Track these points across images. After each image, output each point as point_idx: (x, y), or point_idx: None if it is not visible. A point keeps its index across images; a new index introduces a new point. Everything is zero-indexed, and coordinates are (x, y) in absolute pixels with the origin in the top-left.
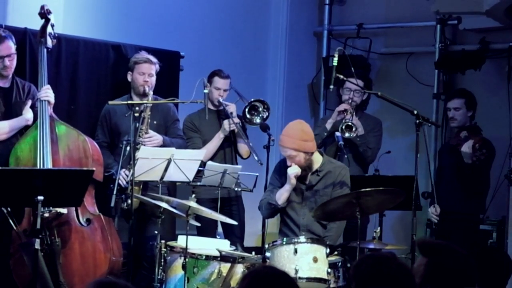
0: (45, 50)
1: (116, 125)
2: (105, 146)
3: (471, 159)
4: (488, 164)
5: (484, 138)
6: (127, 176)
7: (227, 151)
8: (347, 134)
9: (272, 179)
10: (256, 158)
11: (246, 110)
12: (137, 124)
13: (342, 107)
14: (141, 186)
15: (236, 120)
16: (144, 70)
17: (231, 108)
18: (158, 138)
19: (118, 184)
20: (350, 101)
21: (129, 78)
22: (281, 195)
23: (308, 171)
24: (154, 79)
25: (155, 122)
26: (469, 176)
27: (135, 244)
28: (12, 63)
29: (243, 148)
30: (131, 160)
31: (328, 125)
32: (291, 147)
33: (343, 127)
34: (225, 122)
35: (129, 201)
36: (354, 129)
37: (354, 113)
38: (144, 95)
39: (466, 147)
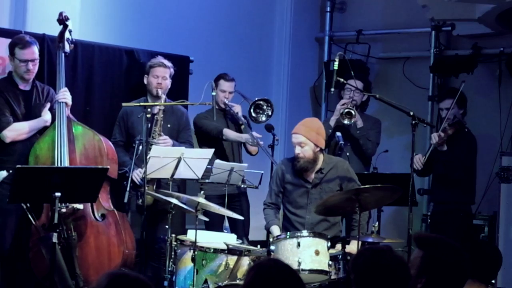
0: (63, 54)
1: (132, 125)
2: (121, 145)
3: (439, 145)
4: (467, 152)
5: (460, 129)
6: (141, 173)
7: (235, 150)
8: (346, 121)
9: (273, 184)
10: (272, 161)
11: (251, 109)
12: (149, 125)
13: (342, 102)
14: (154, 185)
15: (261, 143)
16: (158, 73)
17: (237, 108)
18: (169, 142)
19: (133, 181)
20: (351, 100)
21: (145, 81)
22: None
23: (312, 169)
24: (167, 82)
25: (168, 126)
26: (446, 164)
27: (147, 238)
28: (34, 68)
29: (251, 147)
30: (144, 158)
31: (332, 122)
32: (304, 135)
33: (344, 112)
34: (248, 138)
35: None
36: (353, 113)
37: (354, 108)
38: (157, 97)
39: (433, 137)
